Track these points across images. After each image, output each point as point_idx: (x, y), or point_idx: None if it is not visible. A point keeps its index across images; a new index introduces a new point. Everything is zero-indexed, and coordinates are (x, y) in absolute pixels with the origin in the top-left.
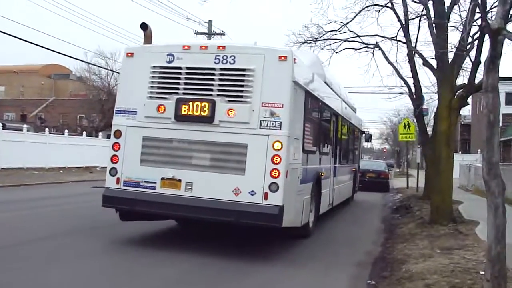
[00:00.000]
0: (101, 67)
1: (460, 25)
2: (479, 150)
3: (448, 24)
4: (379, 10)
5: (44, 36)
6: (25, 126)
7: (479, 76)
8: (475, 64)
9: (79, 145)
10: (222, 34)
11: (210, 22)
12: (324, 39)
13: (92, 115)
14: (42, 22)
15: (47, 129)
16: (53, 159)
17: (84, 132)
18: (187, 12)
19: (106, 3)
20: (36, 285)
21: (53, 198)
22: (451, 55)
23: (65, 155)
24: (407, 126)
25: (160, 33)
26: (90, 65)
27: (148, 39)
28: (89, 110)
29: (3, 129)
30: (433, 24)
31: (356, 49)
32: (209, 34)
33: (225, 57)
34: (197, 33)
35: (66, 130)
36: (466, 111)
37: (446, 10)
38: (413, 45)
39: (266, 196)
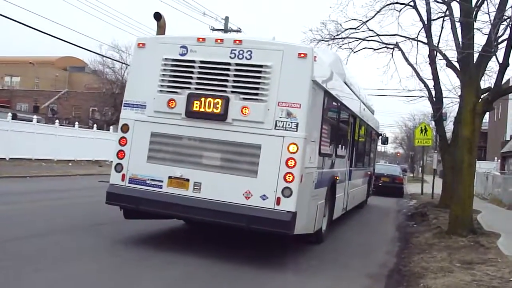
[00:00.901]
0: (114, 60)
1: (485, 26)
2: (495, 157)
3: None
4: (401, 10)
5: (60, 28)
6: (35, 117)
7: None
8: (503, 66)
9: (89, 138)
10: (239, 31)
11: (226, 18)
12: (342, 38)
13: (104, 109)
14: (58, 14)
15: (57, 121)
16: (63, 151)
17: (95, 125)
18: (203, 8)
19: None
20: None
21: (57, 191)
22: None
23: (74, 148)
24: (424, 131)
25: (176, 28)
26: (104, 58)
27: (161, 29)
28: (101, 103)
29: (13, 119)
30: (457, 24)
31: (375, 49)
32: (226, 31)
33: (241, 52)
34: (214, 29)
35: (77, 123)
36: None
37: (473, 7)
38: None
39: (278, 201)
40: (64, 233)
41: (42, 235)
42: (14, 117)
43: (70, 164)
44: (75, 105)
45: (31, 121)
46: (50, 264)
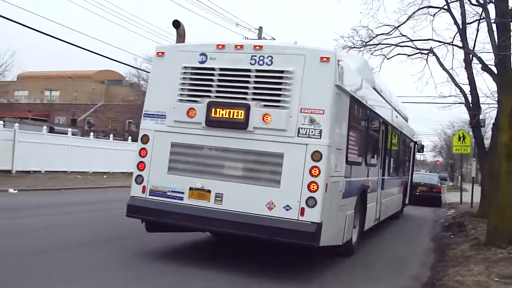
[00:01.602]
0: (149, 72)
1: None
2: None
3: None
4: (435, 14)
5: (97, 43)
6: (69, 129)
7: None
8: None
9: (124, 150)
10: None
11: (260, 28)
12: (374, 44)
13: (140, 121)
14: (95, 30)
15: (92, 133)
16: (97, 163)
17: (130, 137)
18: (237, 18)
19: (157, 9)
20: None
21: (88, 204)
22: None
23: (109, 160)
24: (462, 138)
25: (209, 39)
26: (139, 71)
27: (181, 37)
28: (137, 116)
29: (50, 132)
30: (494, 25)
31: (409, 55)
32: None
33: (261, 58)
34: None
35: (112, 135)
36: None
37: (509, 8)
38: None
39: (302, 212)
40: (86, 246)
41: (64, 248)
42: (51, 130)
43: (105, 176)
44: (111, 117)
45: (67, 134)
46: (66, 278)
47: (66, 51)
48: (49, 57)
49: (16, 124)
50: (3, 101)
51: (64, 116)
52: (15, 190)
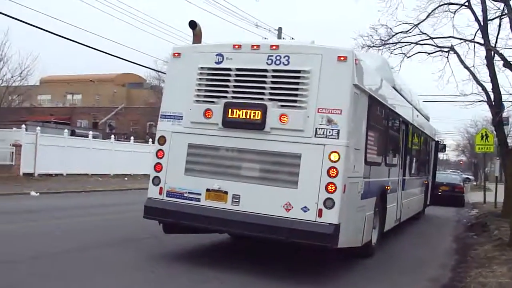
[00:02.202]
0: None
1: None
2: None
3: None
4: (455, 11)
5: (119, 46)
6: (90, 132)
7: None
8: None
9: (144, 153)
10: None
11: (280, 29)
12: (394, 43)
13: None
14: (116, 32)
15: (112, 136)
16: (118, 166)
17: (151, 140)
18: (256, 19)
19: (177, 12)
20: None
21: (108, 206)
22: None
23: (130, 162)
24: (484, 137)
25: (229, 40)
26: (159, 73)
27: (197, 38)
28: (158, 118)
29: (72, 135)
30: None
31: (429, 53)
32: None
33: (278, 57)
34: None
35: (132, 137)
36: None
37: None
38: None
39: (320, 213)
40: (104, 247)
41: (81, 249)
42: (73, 133)
43: (126, 178)
44: (132, 120)
45: (88, 137)
46: (81, 279)
47: (87, 54)
48: (71, 61)
49: (38, 128)
50: (26, 105)
51: (86, 119)
52: (37, 193)
